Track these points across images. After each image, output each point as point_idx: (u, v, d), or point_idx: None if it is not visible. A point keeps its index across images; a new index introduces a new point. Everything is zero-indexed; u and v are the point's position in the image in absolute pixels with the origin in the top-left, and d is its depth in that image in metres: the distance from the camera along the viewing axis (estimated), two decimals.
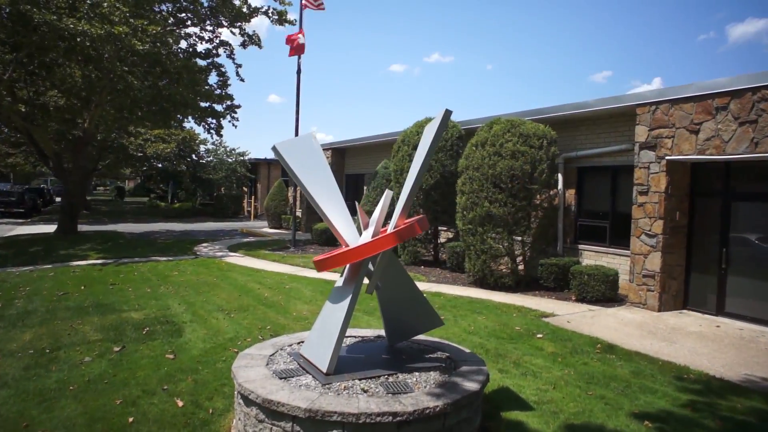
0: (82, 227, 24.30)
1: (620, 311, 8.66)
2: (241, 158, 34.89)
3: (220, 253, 15.40)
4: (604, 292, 9.16)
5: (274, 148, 4.54)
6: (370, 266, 4.49)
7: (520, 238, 10.47)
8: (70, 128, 19.78)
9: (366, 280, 4.56)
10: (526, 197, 10.08)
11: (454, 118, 13.39)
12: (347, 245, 4.45)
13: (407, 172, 12.79)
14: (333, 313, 4.34)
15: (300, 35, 16.38)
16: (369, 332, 5.60)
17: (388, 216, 4.77)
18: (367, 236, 4.38)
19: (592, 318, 8.17)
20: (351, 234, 4.53)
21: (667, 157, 8.59)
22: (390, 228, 4.38)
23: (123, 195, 61.24)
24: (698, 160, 8.39)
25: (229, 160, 34.32)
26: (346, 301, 4.23)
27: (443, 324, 5.27)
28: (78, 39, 12.10)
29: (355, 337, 5.40)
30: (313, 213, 23.29)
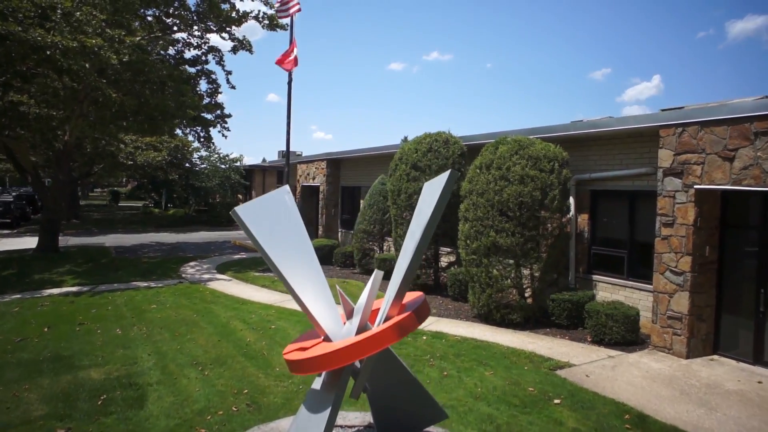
0: (70, 239, 23.39)
1: (643, 358, 7.74)
2: (235, 164, 33.99)
3: (207, 276, 14.47)
4: (624, 334, 8.24)
5: (234, 213, 3.62)
6: (356, 362, 3.58)
7: (528, 271, 9.55)
8: (50, 140, 18.86)
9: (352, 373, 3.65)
10: (535, 226, 9.15)
11: (455, 132, 12.46)
12: (327, 338, 3.53)
13: (405, 193, 11.89)
14: (308, 428, 3.41)
15: (294, 50, 15.49)
16: (358, 418, 4.68)
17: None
18: (351, 330, 3.45)
19: (614, 369, 7.24)
20: (331, 322, 3.60)
21: (695, 186, 7.66)
22: (380, 318, 3.47)
23: (118, 200, 60.29)
24: (733, 191, 7.46)
25: (223, 167, 33.40)
26: (325, 414, 3.31)
27: (447, 417, 4.35)
28: (48, 52, 11.16)
29: (341, 427, 4.48)
30: (307, 225, 22.35)
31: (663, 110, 13.22)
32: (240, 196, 35.05)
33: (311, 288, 3.66)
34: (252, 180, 34.14)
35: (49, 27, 11.57)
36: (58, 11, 11.57)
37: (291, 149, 24.81)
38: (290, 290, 3.55)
